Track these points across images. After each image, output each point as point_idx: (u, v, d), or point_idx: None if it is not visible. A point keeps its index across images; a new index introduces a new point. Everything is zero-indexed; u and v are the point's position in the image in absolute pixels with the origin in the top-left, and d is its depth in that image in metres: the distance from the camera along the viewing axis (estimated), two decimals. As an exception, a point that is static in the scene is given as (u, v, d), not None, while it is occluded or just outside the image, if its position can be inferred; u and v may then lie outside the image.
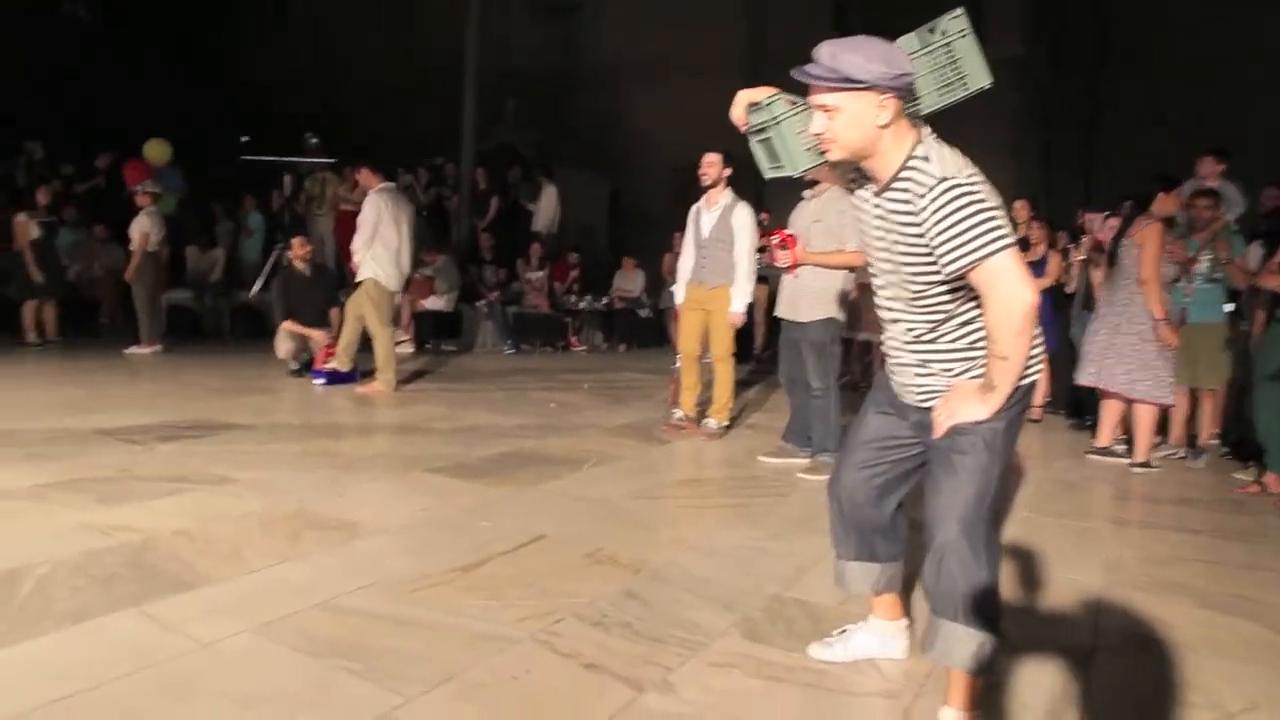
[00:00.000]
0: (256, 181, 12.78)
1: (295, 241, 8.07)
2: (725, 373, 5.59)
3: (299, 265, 7.90)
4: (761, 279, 10.09)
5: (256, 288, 11.08)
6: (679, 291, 5.73)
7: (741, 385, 8.03)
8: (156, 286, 9.35)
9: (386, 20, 19.05)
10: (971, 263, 1.88)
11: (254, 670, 2.21)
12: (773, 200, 10.11)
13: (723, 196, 5.49)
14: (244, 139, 13.81)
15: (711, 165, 5.45)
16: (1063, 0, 14.18)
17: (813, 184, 4.85)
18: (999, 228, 1.88)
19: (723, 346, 5.52)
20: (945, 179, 1.90)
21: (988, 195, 1.92)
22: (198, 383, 7.10)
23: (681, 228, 5.81)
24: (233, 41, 22.35)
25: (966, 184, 1.90)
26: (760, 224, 9.94)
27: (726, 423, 5.70)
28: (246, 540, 3.20)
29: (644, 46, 15.55)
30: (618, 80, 15.89)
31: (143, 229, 9.03)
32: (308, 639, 2.39)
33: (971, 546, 2.01)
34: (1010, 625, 2.12)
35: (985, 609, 2.03)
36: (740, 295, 5.42)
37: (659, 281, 11.82)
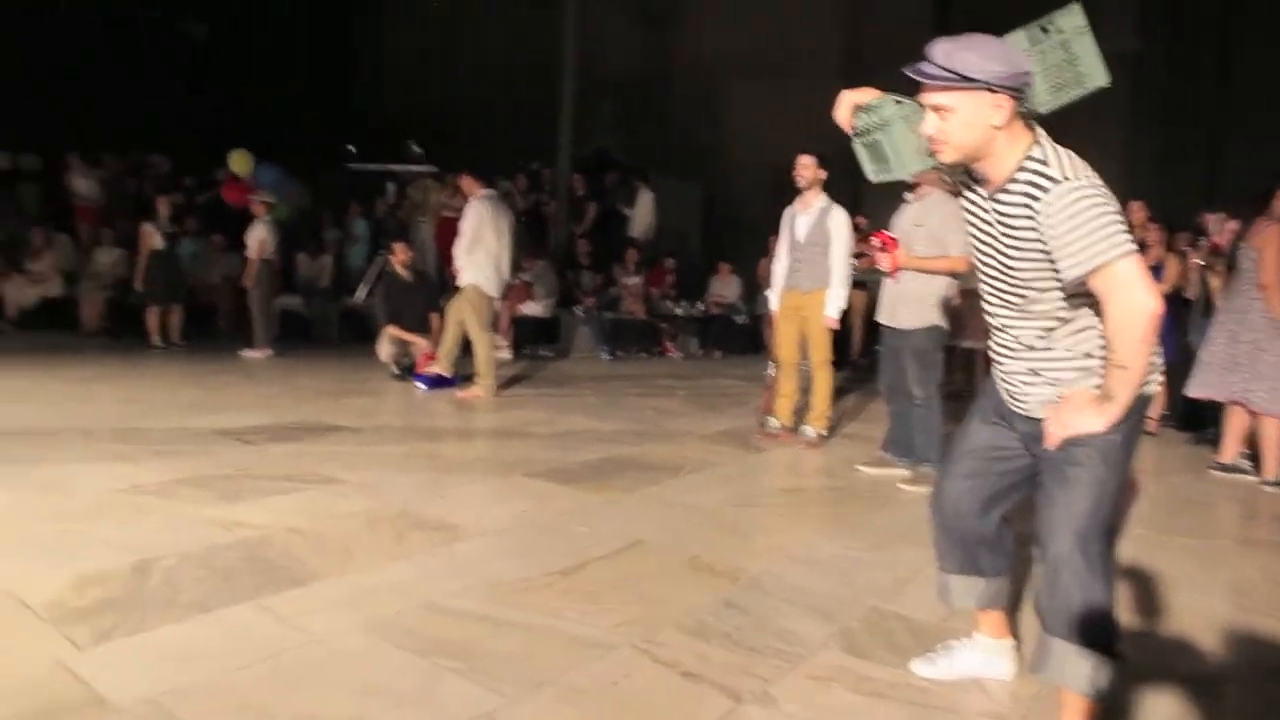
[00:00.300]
0: (362, 190, 13.22)
1: (397, 247, 8.30)
2: (824, 379, 5.52)
3: (401, 271, 8.13)
4: (860, 284, 9.95)
5: (361, 293, 11.45)
6: (773, 298, 5.69)
7: (839, 393, 7.91)
8: (270, 292, 9.77)
9: (484, 28, 19.48)
10: (1093, 268, 1.82)
11: (364, 665, 2.29)
12: (870, 202, 9.94)
13: (817, 199, 5.44)
14: (350, 149, 14.34)
15: (806, 168, 5.39)
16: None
17: (914, 187, 4.75)
18: (1122, 232, 1.82)
19: (821, 352, 5.46)
20: (1065, 180, 1.85)
21: (1108, 198, 1.85)
22: (307, 385, 7.38)
23: (776, 231, 5.77)
24: (337, 54, 23.21)
25: (1088, 186, 1.84)
26: (857, 227, 9.82)
27: (825, 431, 5.63)
28: (355, 539, 3.32)
29: (737, 48, 15.49)
30: (711, 82, 15.86)
31: (259, 237, 9.43)
32: (413, 637, 2.46)
33: (1087, 561, 1.94)
34: (1128, 649, 2.03)
35: (1102, 628, 1.96)
36: (834, 300, 5.36)
37: (754, 287, 11.74)
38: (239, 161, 11.81)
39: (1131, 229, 7.33)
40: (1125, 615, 2.83)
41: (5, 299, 11.37)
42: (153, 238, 9.77)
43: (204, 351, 9.72)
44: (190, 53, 25.20)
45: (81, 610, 2.53)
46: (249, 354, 9.31)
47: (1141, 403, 1.97)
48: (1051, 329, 2.01)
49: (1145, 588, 3.16)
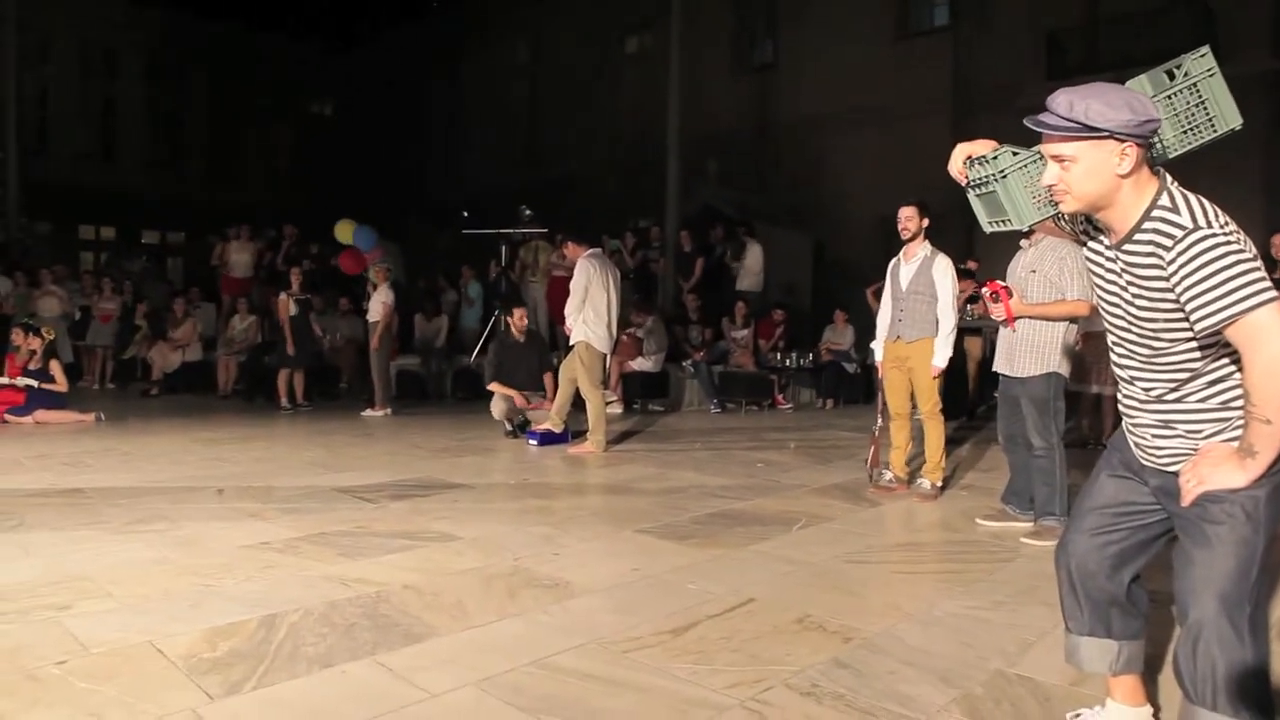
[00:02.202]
0: (476, 253, 13.69)
1: (517, 313, 8.45)
2: (935, 430, 5.38)
3: (515, 332, 8.30)
4: (976, 330, 9.67)
5: (476, 353, 11.80)
6: (878, 349, 5.62)
7: (955, 443, 7.67)
8: (390, 353, 10.16)
9: (590, 91, 20.05)
10: (1227, 319, 1.73)
11: (476, 723, 2.31)
12: (985, 248, 9.69)
13: (921, 248, 5.37)
14: (465, 214, 14.96)
15: (910, 218, 5.34)
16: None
17: (1029, 232, 4.62)
18: (1259, 279, 1.73)
19: (930, 402, 5.33)
20: (1196, 229, 1.77)
21: (1244, 245, 1.76)
22: (423, 443, 7.61)
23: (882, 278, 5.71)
24: (453, 126, 24.31)
25: (1220, 234, 1.76)
26: (970, 272, 9.57)
27: (940, 482, 5.46)
28: (469, 595, 3.38)
29: (841, 96, 15.48)
30: (816, 132, 15.87)
31: (384, 301, 9.86)
32: (524, 695, 2.48)
33: (1233, 624, 1.82)
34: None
35: (1253, 696, 1.81)
36: (941, 350, 5.25)
37: (867, 335, 11.52)
38: (343, 231, 12.43)
39: (1275, 265, 6.86)
40: None
41: (153, 364, 12.20)
42: (288, 306, 10.32)
43: (327, 411, 10.16)
44: (321, 130, 26.94)
45: (214, 662, 2.66)
46: (369, 413, 9.67)
47: (1292, 454, 1.85)
48: (1185, 380, 1.92)
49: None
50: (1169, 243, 1.80)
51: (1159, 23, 11.77)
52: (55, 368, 8.96)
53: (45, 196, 21.17)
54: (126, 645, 2.78)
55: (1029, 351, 4.54)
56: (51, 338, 9.28)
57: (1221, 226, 1.78)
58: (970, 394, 10.24)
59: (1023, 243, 4.68)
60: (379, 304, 9.88)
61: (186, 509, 4.78)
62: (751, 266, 12.45)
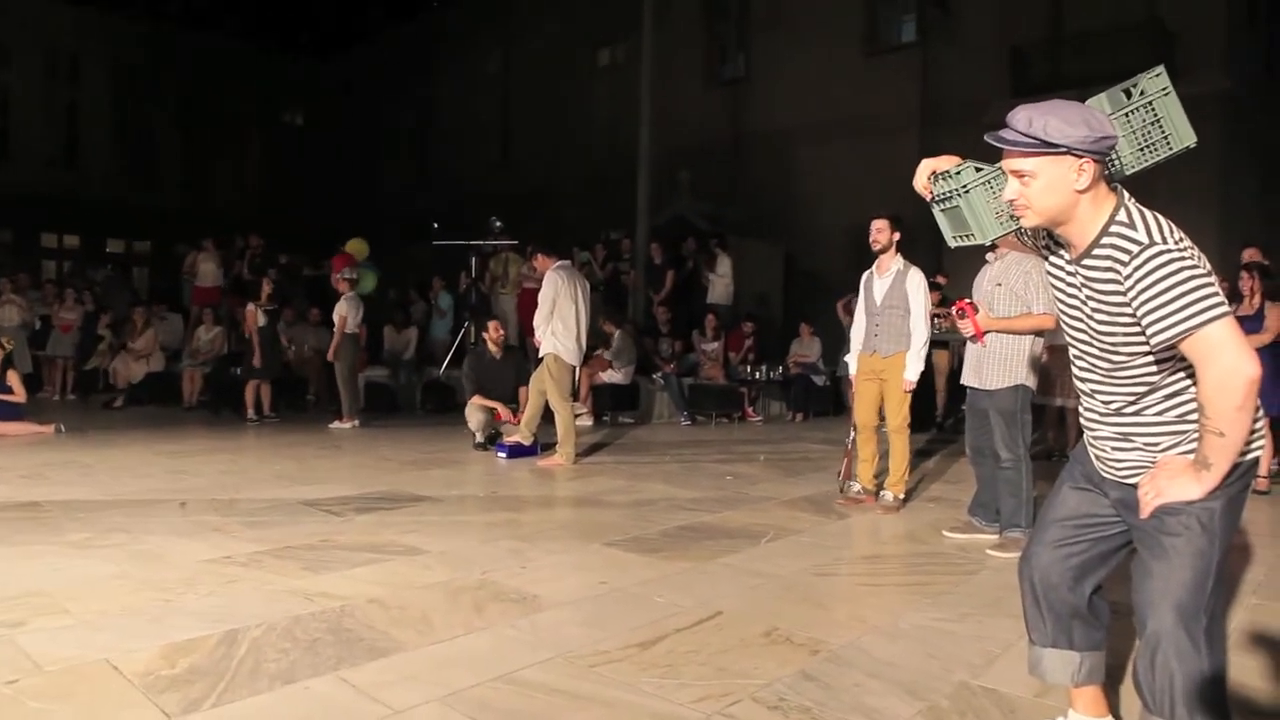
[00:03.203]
0: (447, 264, 13.62)
1: (491, 325, 8.43)
2: (901, 443, 5.41)
3: (492, 347, 8.25)
4: (943, 343, 9.77)
5: (446, 365, 11.73)
6: (851, 362, 5.64)
7: (923, 455, 7.74)
8: (355, 365, 10.07)
9: (561, 103, 20.06)
10: (1182, 333, 1.76)
11: (440, 740, 2.28)
12: (953, 262, 9.80)
13: (893, 262, 5.40)
14: (435, 225, 14.93)
15: (880, 231, 5.37)
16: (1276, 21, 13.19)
17: (994, 246, 4.68)
18: (1212, 295, 1.76)
19: (899, 417, 5.36)
20: (1152, 244, 1.80)
21: (1198, 261, 1.80)
22: (392, 456, 7.54)
23: (855, 290, 5.74)
24: (424, 137, 24.20)
25: (1175, 249, 1.79)
26: (938, 286, 9.66)
27: (902, 495, 5.49)
28: (435, 610, 3.34)
29: (812, 109, 15.62)
30: (787, 144, 15.98)
31: (341, 312, 9.77)
32: (490, 711, 2.45)
33: (1190, 636, 1.84)
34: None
35: (1210, 706, 1.84)
36: (913, 364, 5.28)
37: (835, 348, 11.59)
38: (356, 246, 12.38)
39: (1241, 274, 6.90)
40: (1238, 693, 2.65)
41: (116, 374, 12.01)
42: (256, 316, 10.20)
43: (295, 424, 10.04)
44: (293, 141, 26.73)
45: (172, 679, 2.61)
46: (337, 425, 9.57)
47: (1245, 467, 1.89)
48: (1144, 393, 1.95)
49: (1263, 661, 2.96)
50: (1126, 258, 1.83)
51: (1119, 42, 12.01)
52: (13, 378, 8.79)
53: (6, 204, 20.84)
54: (82, 663, 2.72)
55: (996, 364, 4.59)
56: (10, 348, 9.10)
57: (1176, 242, 1.81)
58: (939, 407, 10.33)
59: (989, 256, 4.74)
60: (338, 315, 9.81)
61: (148, 523, 4.70)
62: (721, 279, 12.49)
